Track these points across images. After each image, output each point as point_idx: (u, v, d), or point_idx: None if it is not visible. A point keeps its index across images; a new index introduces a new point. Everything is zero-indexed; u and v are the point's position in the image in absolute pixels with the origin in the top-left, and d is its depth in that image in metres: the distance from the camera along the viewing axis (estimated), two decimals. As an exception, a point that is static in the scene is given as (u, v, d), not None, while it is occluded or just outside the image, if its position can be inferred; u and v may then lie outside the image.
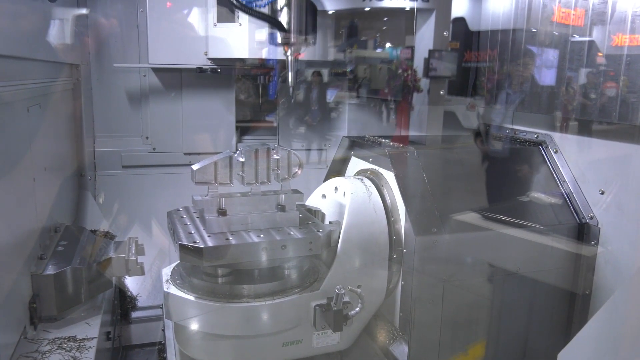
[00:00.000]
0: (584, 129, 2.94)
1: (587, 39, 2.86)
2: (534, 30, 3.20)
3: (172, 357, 2.67)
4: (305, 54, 4.07)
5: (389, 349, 2.68)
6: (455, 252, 2.58)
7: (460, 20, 3.88)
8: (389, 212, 2.72)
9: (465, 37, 3.89)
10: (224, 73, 4.19)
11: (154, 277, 3.69)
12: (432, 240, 2.51)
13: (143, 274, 2.81)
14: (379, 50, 4.60)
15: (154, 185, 4.28)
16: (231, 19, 3.92)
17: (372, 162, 3.02)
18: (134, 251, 2.84)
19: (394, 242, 2.68)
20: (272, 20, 3.29)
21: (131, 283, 3.81)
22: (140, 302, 3.80)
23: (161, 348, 3.56)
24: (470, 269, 2.65)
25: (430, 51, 3.85)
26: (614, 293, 2.21)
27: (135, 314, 3.78)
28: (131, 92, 4.23)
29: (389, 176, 2.81)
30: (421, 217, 2.55)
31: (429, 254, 2.51)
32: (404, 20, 4.22)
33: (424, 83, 3.95)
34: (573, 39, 2.92)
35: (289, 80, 3.56)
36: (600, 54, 2.74)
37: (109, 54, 4.14)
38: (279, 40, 3.38)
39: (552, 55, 3.13)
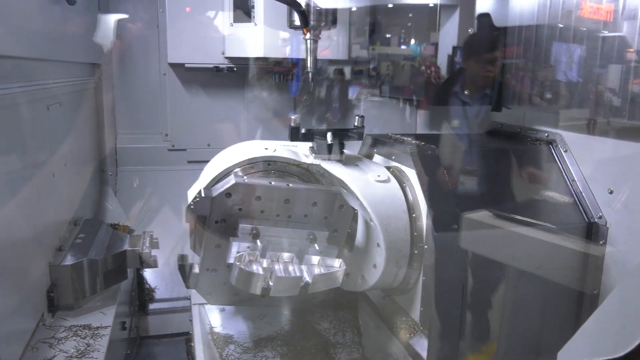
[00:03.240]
0: (594, 128, 2.91)
1: (606, 34, 2.82)
2: (554, 26, 3.17)
3: (199, 345, 2.73)
4: (328, 51, 4.16)
5: (410, 342, 2.73)
6: (473, 250, 2.60)
7: (485, 16, 3.85)
8: (411, 208, 2.76)
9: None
10: (241, 72, 4.24)
11: (172, 271, 3.79)
12: (452, 236, 2.54)
13: (156, 266, 2.91)
14: (402, 47, 4.58)
15: (172, 181, 4.34)
16: (247, 19, 3.98)
17: (394, 160, 3.06)
18: (147, 244, 2.93)
19: (415, 238, 2.72)
20: (290, 1, 3.19)
21: (150, 275, 3.94)
22: (158, 294, 3.92)
23: (189, 338, 3.62)
24: (484, 266, 2.66)
25: (454, 48, 3.84)
26: (613, 290, 2.21)
27: (153, 306, 3.89)
28: (151, 90, 4.33)
29: (411, 174, 2.85)
30: (442, 214, 2.59)
31: (449, 250, 2.55)
32: (428, 16, 4.19)
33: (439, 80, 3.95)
34: (601, 35, 2.88)
35: (308, 66, 3.38)
36: (631, 50, 2.71)
37: (130, 52, 4.25)
38: (297, 22, 3.27)
39: (563, 52, 3.10)
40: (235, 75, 4.30)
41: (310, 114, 4.72)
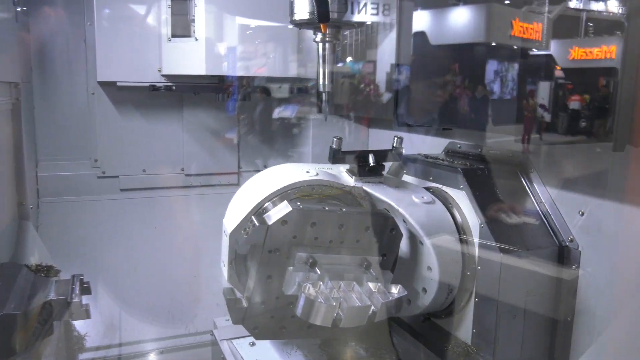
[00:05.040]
0: (559, 147, 2.87)
1: (546, 52, 2.84)
2: (494, 44, 3.17)
3: None
4: (265, 69, 4.00)
5: None
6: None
7: (421, 35, 3.86)
8: (460, 229, 2.74)
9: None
10: (179, 91, 4.02)
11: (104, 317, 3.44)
12: (515, 258, 2.55)
13: (88, 317, 2.53)
14: (340, 65, 4.52)
15: (103, 212, 4.06)
16: (187, 33, 3.76)
17: (432, 181, 3.00)
18: (77, 291, 2.56)
19: (467, 259, 2.69)
20: None
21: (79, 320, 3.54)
22: (88, 343, 3.50)
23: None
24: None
25: (392, 65, 3.81)
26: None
27: (82, 356, 3.48)
28: (78, 112, 4.01)
29: (457, 194, 2.82)
30: (504, 236, 2.61)
31: (511, 273, 2.56)
32: (366, 34, 4.16)
33: (386, 98, 3.89)
34: (533, 53, 2.91)
35: (320, 82, 2.79)
36: (559, 67, 2.73)
37: (53, 70, 3.91)
38: (300, 15, 2.52)
39: (516, 70, 3.10)
40: (173, 94, 4.06)
41: (252, 134, 4.59)
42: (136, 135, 4.14)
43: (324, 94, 2.74)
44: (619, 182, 2.53)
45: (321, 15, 2.39)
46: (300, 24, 2.57)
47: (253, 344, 2.92)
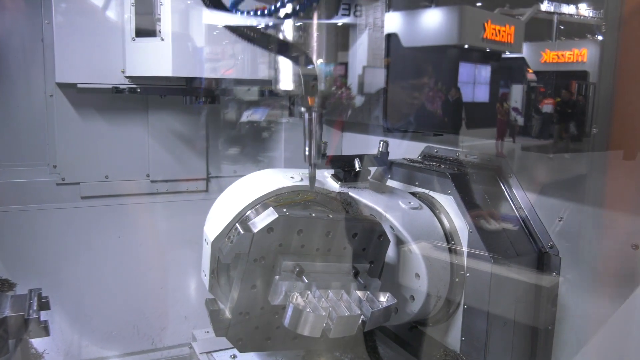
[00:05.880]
0: (537, 152, 2.87)
1: (519, 55, 2.86)
2: (466, 46, 3.16)
3: None
4: (234, 70, 3.90)
5: None
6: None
7: (394, 36, 3.84)
8: (448, 235, 2.72)
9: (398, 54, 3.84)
10: (144, 93, 3.88)
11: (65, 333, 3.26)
12: (506, 264, 2.53)
13: (47, 334, 2.37)
14: (310, 67, 4.46)
15: (63, 221, 3.90)
16: (152, 33, 3.61)
17: (418, 186, 2.97)
18: (35, 307, 2.39)
19: (455, 266, 2.66)
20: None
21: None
22: (47, 360, 3.32)
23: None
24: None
25: (364, 68, 3.77)
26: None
27: (41, 375, 3.28)
28: (35, 115, 3.85)
29: (444, 200, 2.79)
30: (495, 242, 2.59)
31: (501, 279, 2.54)
32: (337, 36, 4.13)
33: (359, 100, 3.85)
34: (505, 56, 2.95)
35: (307, 155, 2.35)
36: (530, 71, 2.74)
37: (8, 71, 3.74)
38: (294, 86, 2.23)
39: (490, 73, 3.11)
40: (137, 96, 3.94)
41: (221, 138, 4.49)
42: (98, 140, 3.99)
43: (309, 167, 2.32)
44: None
45: (309, 89, 2.16)
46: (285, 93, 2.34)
47: (234, 357, 2.89)
